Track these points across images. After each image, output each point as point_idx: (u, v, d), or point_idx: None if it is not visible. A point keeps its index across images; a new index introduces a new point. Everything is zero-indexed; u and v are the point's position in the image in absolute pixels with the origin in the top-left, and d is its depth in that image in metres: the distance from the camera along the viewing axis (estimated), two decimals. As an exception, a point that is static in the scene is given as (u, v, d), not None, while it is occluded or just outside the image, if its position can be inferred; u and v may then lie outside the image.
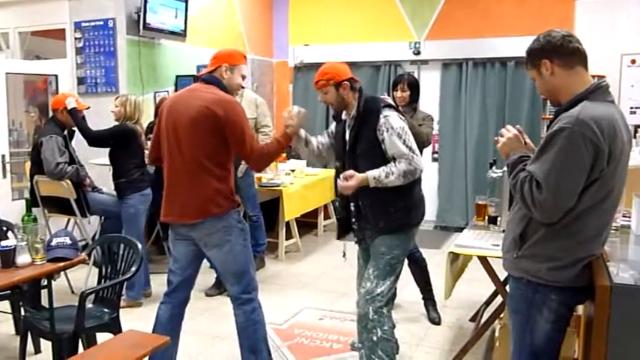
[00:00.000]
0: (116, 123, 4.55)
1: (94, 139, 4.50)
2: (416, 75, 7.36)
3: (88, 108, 4.73)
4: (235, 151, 2.87)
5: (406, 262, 4.15)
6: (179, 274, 3.03)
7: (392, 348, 2.97)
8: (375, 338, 2.91)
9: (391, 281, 2.96)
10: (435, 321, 4.18)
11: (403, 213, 2.94)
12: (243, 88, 3.15)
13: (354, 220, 3.05)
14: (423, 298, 4.30)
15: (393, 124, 2.83)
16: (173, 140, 2.88)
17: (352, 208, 3.03)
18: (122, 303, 4.38)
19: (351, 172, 2.79)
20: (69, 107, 4.49)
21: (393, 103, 3.00)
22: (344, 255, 3.40)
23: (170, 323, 3.01)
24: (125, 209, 4.46)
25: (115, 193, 4.65)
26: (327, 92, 2.96)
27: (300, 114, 2.98)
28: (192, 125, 2.79)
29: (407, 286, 4.91)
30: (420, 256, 4.22)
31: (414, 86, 4.11)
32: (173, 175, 2.91)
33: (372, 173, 2.79)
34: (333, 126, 3.22)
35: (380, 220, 2.91)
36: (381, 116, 2.85)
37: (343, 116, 3.06)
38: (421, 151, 4.07)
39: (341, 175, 2.82)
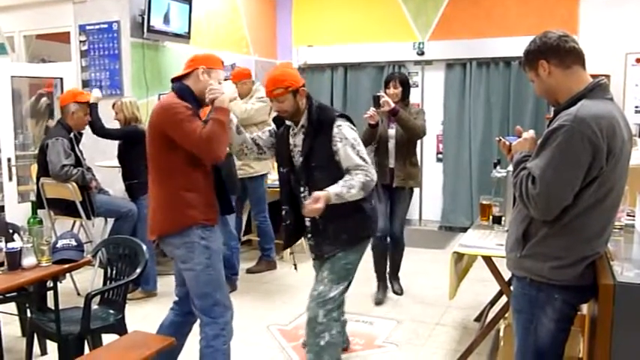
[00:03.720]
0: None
1: (104, 134, 4.72)
2: (420, 75, 7.44)
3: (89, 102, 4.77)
4: (190, 150, 2.64)
5: (390, 245, 4.61)
6: (179, 290, 2.98)
7: (339, 353, 2.92)
8: (322, 343, 2.84)
9: (344, 286, 2.93)
10: (399, 292, 4.75)
11: (361, 225, 2.94)
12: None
13: (310, 235, 2.98)
14: (390, 274, 4.75)
15: (346, 134, 2.80)
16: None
17: (307, 224, 2.95)
18: (138, 295, 4.63)
19: (317, 194, 2.67)
20: (91, 101, 4.67)
21: (345, 113, 2.96)
22: (295, 267, 3.32)
23: (169, 329, 2.95)
24: (140, 210, 4.62)
25: (120, 194, 4.71)
26: (284, 101, 2.84)
27: (228, 85, 2.82)
28: (148, 137, 2.75)
29: (411, 286, 4.92)
30: (402, 242, 4.66)
31: (405, 83, 4.45)
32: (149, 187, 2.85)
33: (333, 190, 2.70)
34: (274, 126, 3.12)
35: (341, 233, 2.88)
36: (335, 126, 2.81)
37: (287, 122, 2.99)
38: (416, 142, 4.51)
39: (310, 198, 2.69)
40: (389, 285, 4.78)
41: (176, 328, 2.96)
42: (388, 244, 4.60)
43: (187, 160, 2.67)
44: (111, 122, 4.82)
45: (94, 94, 4.75)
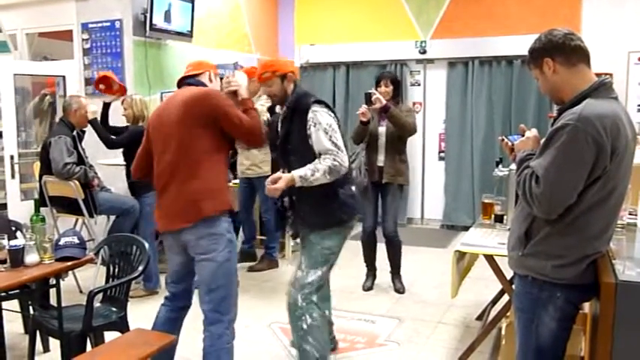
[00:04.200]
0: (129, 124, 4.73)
1: (113, 146, 4.70)
2: (422, 74, 7.44)
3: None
4: (235, 135, 2.80)
5: (384, 247, 4.75)
6: (174, 286, 2.99)
7: (323, 335, 2.98)
8: (305, 326, 2.93)
9: (323, 271, 2.98)
10: (400, 291, 4.80)
11: (334, 210, 2.96)
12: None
13: (288, 213, 3.10)
14: (391, 272, 4.87)
15: (320, 119, 2.87)
16: (161, 147, 2.82)
17: (286, 202, 3.06)
18: (140, 292, 4.64)
19: (278, 174, 2.80)
20: (89, 117, 4.63)
21: (324, 100, 3.03)
22: (284, 256, 3.46)
23: (164, 326, 2.96)
24: (142, 207, 4.64)
25: (122, 192, 4.74)
26: (272, 84, 2.99)
27: (241, 75, 2.91)
28: (178, 124, 2.73)
29: (413, 285, 4.93)
30: (397, 240, 4.75)
31: (395, 82, 4.65)
32: (162, 182, 2.83)
33: (298, 172, 2.79)
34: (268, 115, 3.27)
35: (311, 216, 2.98)
36: (310, 111, 2.89)
37: (277, 109, 3.12)
38: (406, 140, 4.63)
39: (268, 179, 2.81)
40: (392, 283, 4.87)
41: (172, 324, 2.98)
42: (376, 237, 4.79)
43: (221, 146, 2.79)
44: (118, 118, 4.82)
45: (91, 109, 4.66)
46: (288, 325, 4.06)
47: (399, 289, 4.81)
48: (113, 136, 4.69)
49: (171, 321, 2.99)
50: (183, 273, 2.91)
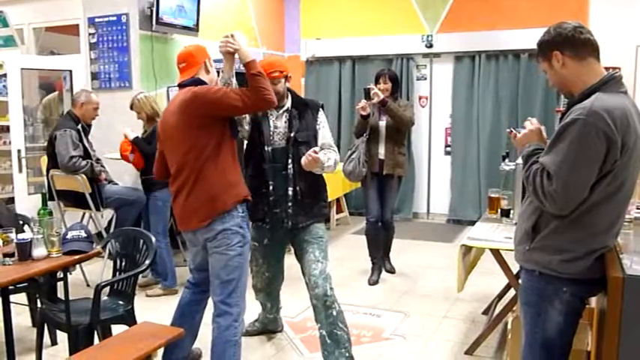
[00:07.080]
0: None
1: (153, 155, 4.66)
2: (428, 68, 7.42)
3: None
4: (244, 113, 2.95)
5: (382, 231, 4.94)
6: (197, 273, 3.11)
7: (345, 319, 3.21)
8: (334, 313, 3.13)
9: (329, 261, 3.25)
10: (392, 271, 5.14)
11: (325, 203, 3.37)
12: None
13: (290, 204, 3.19)
14: (382, 255, 5.10)
15: (324, 119, 3.34)
16: (170, 150, 2.91)
17: (290, 193, 3.18)
18: (159, 291, 4.61)
19: (315, 149, 3.06)
20: (130, 138, 4.59)
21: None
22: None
23: (189, 306, 3.12)
24: (153, 202, 4.61)
25: (128, 185, 4.78)
26: (278, 84, 3.14)
27: (240, 36, 2.90)
28: (177, 129, 2.81)
29: (419, 279, 4.93)
30: (393, 227, 5.03)
31: (394, 79, 4.84)
32: (176, 185, 2.91)
33: (321, 157, 3.08)
34: None
35: (314, 206, 3.24)
36: (320, 111, 3.32)
37: None
38: (405, 133, 4.91)
39: (311, 150, 3.05)
40: (383, 266, 5.09)
41: (196, 303, 3.15)
42: (380, 228, 4.91)
43: (226, 140, 2.84)
44: (121, 110, 4.81)
45: (127, 132, 4.63)
46: (294, 319, 4.11)
47: (391, 270, 5.13)
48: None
49: (194, 301, 3.14)
50: (205, 262, 2.97)
